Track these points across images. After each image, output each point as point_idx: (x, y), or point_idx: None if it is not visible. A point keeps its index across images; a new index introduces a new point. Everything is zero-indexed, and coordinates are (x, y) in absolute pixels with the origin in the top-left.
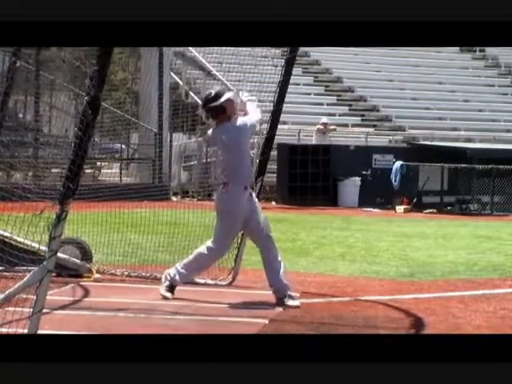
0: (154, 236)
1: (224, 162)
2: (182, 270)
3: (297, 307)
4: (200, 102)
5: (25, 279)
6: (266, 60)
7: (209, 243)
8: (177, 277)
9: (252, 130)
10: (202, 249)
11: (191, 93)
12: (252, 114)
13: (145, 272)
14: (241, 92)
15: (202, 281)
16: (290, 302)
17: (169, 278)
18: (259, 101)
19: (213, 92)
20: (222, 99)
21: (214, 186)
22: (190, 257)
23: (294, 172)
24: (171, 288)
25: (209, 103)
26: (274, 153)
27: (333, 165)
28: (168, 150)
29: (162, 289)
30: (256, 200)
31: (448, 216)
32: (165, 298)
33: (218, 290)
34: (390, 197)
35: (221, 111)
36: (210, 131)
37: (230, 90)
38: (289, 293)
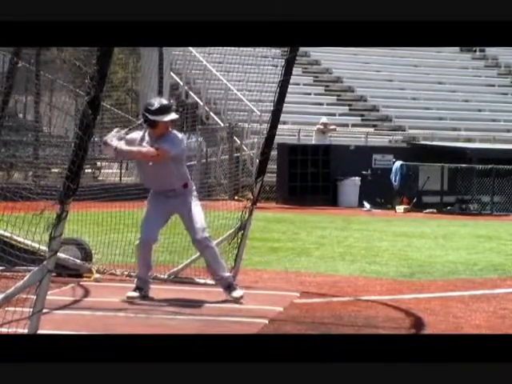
0: None
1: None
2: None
3: (239, 298)
4: (200, 102)
5: (25, 279)
6: (267, 60)
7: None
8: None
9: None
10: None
11: (191, 93)
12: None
13: None
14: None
15: (201, 281)
16: (234, 294)
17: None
18: (259, 101)
19: (156, 104)
20: (165, 118)
21: (213, 187)
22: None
23: (294, 172)
24: (137, 289)
25: (146, 112)
26: (274, 153)
27: (333, 165)
28: None
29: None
30: (189, 199)
31: (448, 216)
32: (129, 298)
33: (217, 290)
34: (390, 197)
35: (152, 125)
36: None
37: (173, 111)
38: (230, 281)
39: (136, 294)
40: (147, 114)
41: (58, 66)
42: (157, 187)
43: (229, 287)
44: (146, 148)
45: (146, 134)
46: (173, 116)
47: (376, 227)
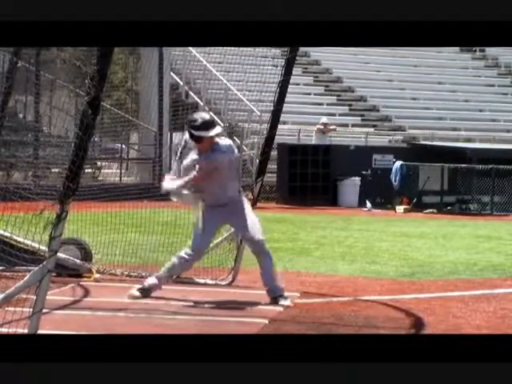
0: (154, 236)
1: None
2: (159, 273)
3: (287, 307)
4: (200, 102)
5: (25, 279)
6: (267, 60)
7: (187, 249)
8: (150, 280)
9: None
10: (181, 253)
11: (191, 93)
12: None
13: (145, 272)
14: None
15: (201, 281)
16: (282, 302)
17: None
18: (259, 101)
19: (199, 119)
20: (211, 133)
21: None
22: (167, 264)
23: (294, 172)
24: (143, 289)
25: (192, 129)
26: (274, 153)
27: (333, 165)
28: (168, 150)
29: (134, 290)
30: (244, 205)
31: (448, 216)
32: (132, 296)
33: (217, 289)
34: (390, 197)
35: (198, 140)
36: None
37: (217, 124)
38: (281, 293)
39: (139, 294)
40: (192, 131)
41: (58, 66)
42: (221, 198)
43: (275, 298)
44: (192, 175)
45: (195, 152)
46: (217, 130)
47: (376, 227)
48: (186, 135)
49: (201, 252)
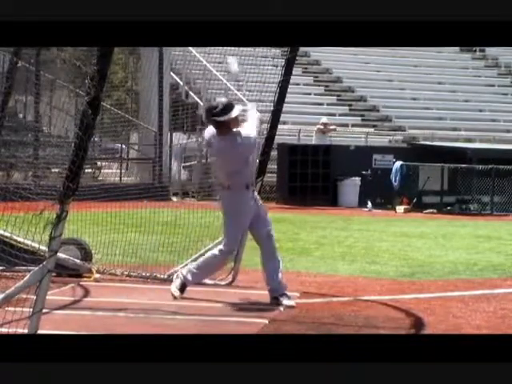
0: (154, 236)
1: (228, 168)
2: (195, 271)
3: (292, 307)
4: (200, 102)
5: (25, 279)
6: (267, 60)
7: (220, 246)
8: (189, 276)
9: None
10: (215, 250)
11: (191, 93)
12: (253, 127)
13: (145, 272)
14: (251, 105)
15: None
16: (286, 302)
17: (181, 276)
18: (259, 101)
19: (220, 105)
20: (233, 114)
21: (214, 186)
22: (203, 258)
23: (294, 172)
24: (182, 287)
25: (215, 116)
26: (274, 153)
27: (333, 165)
28: (168, 150)
29: (173, 286)
30: (258, 198)
31: (448, 216)
32: (173, 296)
33: (217, 289)
34: (390, 197)
35: (224, 124)
36: (206, 134)
37: (235, 103)
38: (285, 292)
39: (179, 294)
40: (216, 118)
41: (58, 66)
42: (249, 179)
43: (278, 298)
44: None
45: (212, 137)
46: (240, 107)
47: (376, 227)
48: (207, 132)
49: (234, 247)
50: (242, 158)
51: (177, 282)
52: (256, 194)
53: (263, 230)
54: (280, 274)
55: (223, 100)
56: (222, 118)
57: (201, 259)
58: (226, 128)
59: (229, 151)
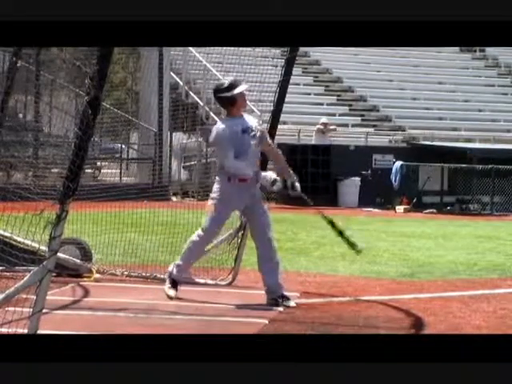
0: (154, 236)
1: (226, 154)
2: (178, 262)
3: (291, 307)
4: (200, 102)
5: (25, 279)
6: (266, 60)
7: (198, 231)
8: (174, 270)
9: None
10: (193, 237)
11: (191, 93)
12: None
13: (145, 272)
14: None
15: (202, 281)
16: (285, 303)
17: (168, 274)
18: (259, 101)
19: (226, 82)
20: (236, 91)
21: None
22: (184, 249)
23: (294, 172)
24: (173, 284)
25: (220, 93)
26: None
27: (333, 165)
28: (168, 150)
29: (165, 286)
30: (260, 196)
31: (448, 216)
32: (168, 296)
33: (217, 289)
34: (390, 197)
35: (231, 102)
36: (218, 126)
37: (243, 82)
38: (283, 293)
39: (173, 292)
40: (223, 94)
41: (58, 66)
42: (249, 173)
43: (276, 299)
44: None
45: (227, 123)
46: (245, 86)
47: (376, 227)
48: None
49: (212, 234)
50: (244, 142)
51: (167, 281)
52: (258, 192)
53: (260, 230)
54: (279, 276)
55: (229, 78)
56: (226, 94)
57: (182, 251)
58: (232, 107)
59: (235, 132)
